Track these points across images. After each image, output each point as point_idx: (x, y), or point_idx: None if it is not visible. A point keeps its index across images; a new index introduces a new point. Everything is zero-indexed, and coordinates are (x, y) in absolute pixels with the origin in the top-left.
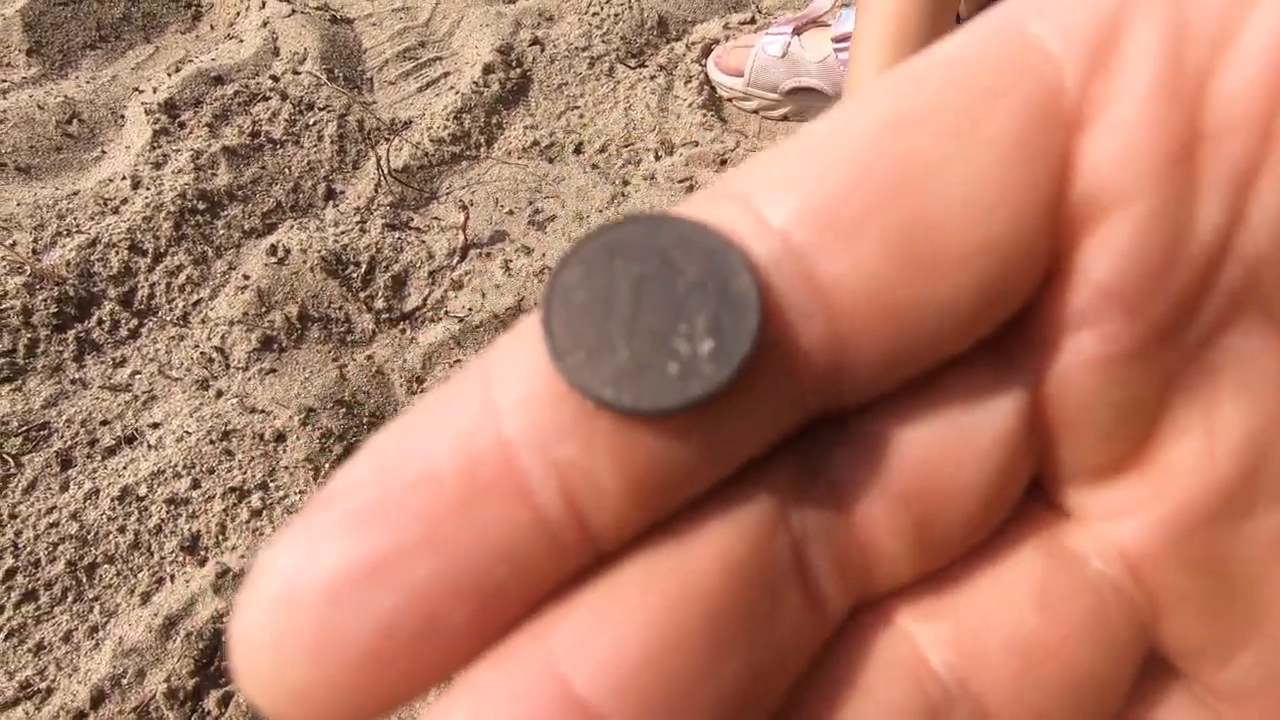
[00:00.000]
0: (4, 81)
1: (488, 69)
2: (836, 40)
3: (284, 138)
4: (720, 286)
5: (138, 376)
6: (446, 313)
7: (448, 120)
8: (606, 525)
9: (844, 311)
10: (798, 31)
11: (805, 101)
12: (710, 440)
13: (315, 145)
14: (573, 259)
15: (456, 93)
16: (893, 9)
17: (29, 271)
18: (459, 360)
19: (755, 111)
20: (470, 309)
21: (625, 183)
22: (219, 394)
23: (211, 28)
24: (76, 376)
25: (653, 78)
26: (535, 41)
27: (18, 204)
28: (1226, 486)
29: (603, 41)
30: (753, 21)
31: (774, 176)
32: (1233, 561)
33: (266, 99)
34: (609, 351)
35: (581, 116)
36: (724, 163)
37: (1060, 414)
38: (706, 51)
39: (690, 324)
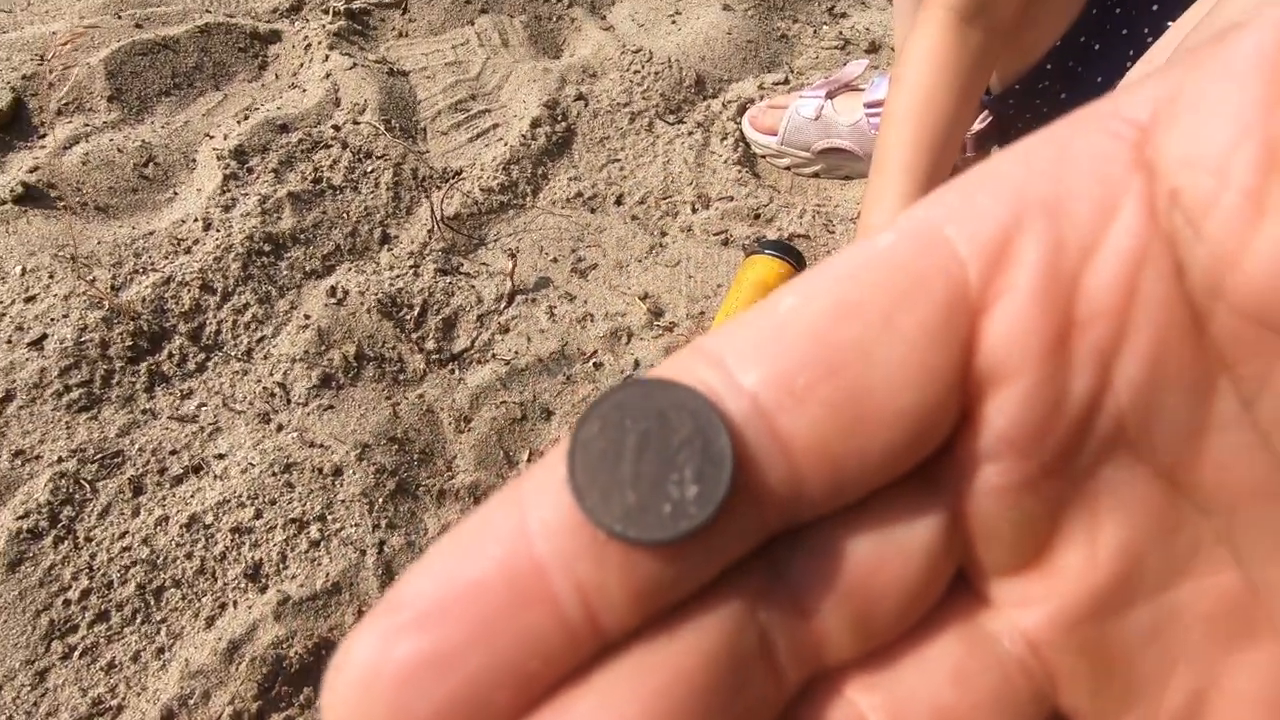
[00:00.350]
0: (87, 125)
1: (535, 122)
2: (868, 105)
3: (343, 184)
4: (704, 444)
5: (204, 409)
6: (493, 355)
7: (497, 171)
8: (614, 625)
9: (799, 457)
10: (830, 95)
11: (836, 161)
12: (695, 560)
13: (372, 192)
14: (592, 415)
15: (505, 144)
16: (922, 88)
17: (107, 306)
18: (504, 402)
19: (788, 168)
20: (516, 352)
21: (663, 234)
22: (280, 428)
23: (276, 77)
24: (147, 407)
25: (690, 134)
26: (579, 97)
27: (98, 242)
28: (1106, 586)
29: (643, 98)
30: (786, 82)
31: (745, 347)
32: (1114, 646)
33: (328, 147)
34: (618, 494)
35: (622, 169)
36: (757, 217)
37: (974, 526)
38: (741, 110)
39: (681, 474)
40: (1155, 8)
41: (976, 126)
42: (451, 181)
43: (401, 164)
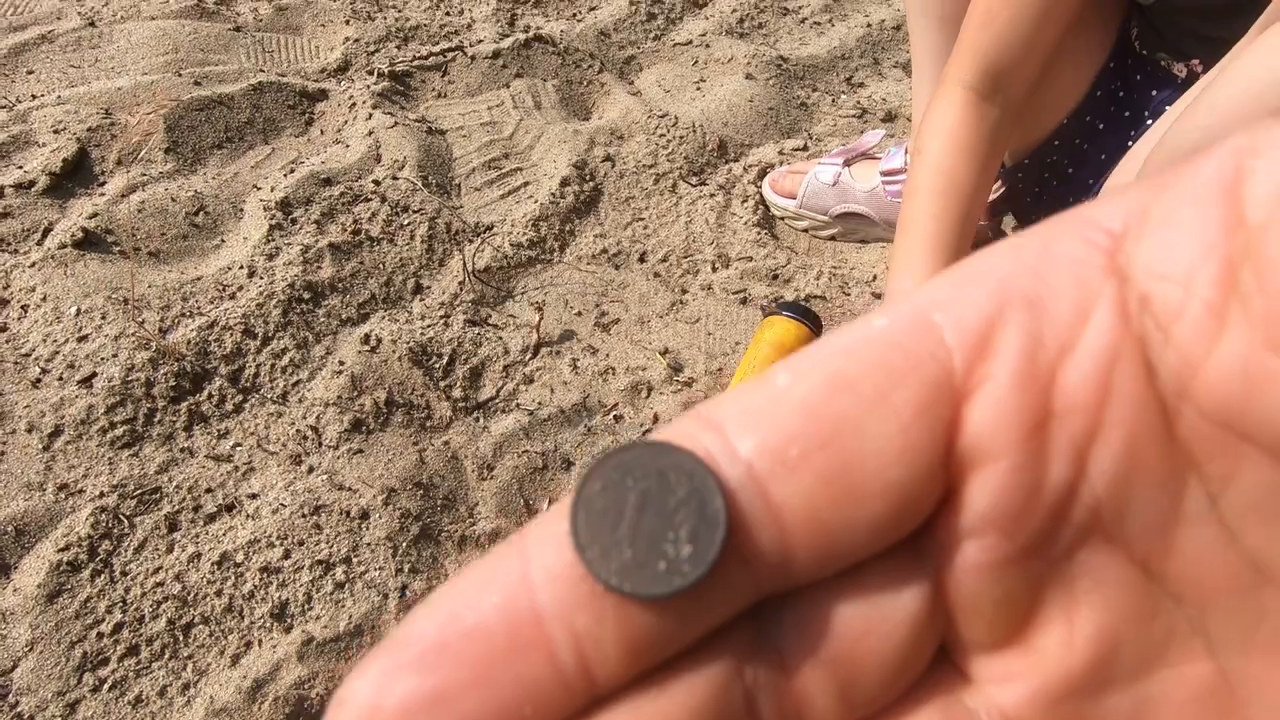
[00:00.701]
0: (144, 175)
1: (564, 181)
2: (885, 173)
3: (381, 236)
4: (700, 505)
5: (239, 449)
6: (517, 405)
7: (526, 227)
8: (607, 677)
9: (790, 524)
10: (848, 163)
11: (852, 225)
12: (686, 617)
13: (408, 244)
14: (595, 474)
15: (535, 202)
16: (943, 163)
17: (154, 348)
18: (526, 451)
19: (806, 231)
20: (539, 403)
21: (684, 291)
22: (310, 470)
23: (322, 132)
24: (185, 445)
25: (712, 195)
26: (607, 158)
27: (149, 285)
28: (1084, 668)
29: (668, 160)
30: (805, 148)
31: (744, 415)
32: None
33: (368, 200)
34: (617, 550)
35: (646, 228)
36: (775, 277)
37: (956, 601)
38: (762, 174)
39: (677, 533)
40: (1154, 93)
41: (991, 195)
42: (483, 236)
43: (436, 218)
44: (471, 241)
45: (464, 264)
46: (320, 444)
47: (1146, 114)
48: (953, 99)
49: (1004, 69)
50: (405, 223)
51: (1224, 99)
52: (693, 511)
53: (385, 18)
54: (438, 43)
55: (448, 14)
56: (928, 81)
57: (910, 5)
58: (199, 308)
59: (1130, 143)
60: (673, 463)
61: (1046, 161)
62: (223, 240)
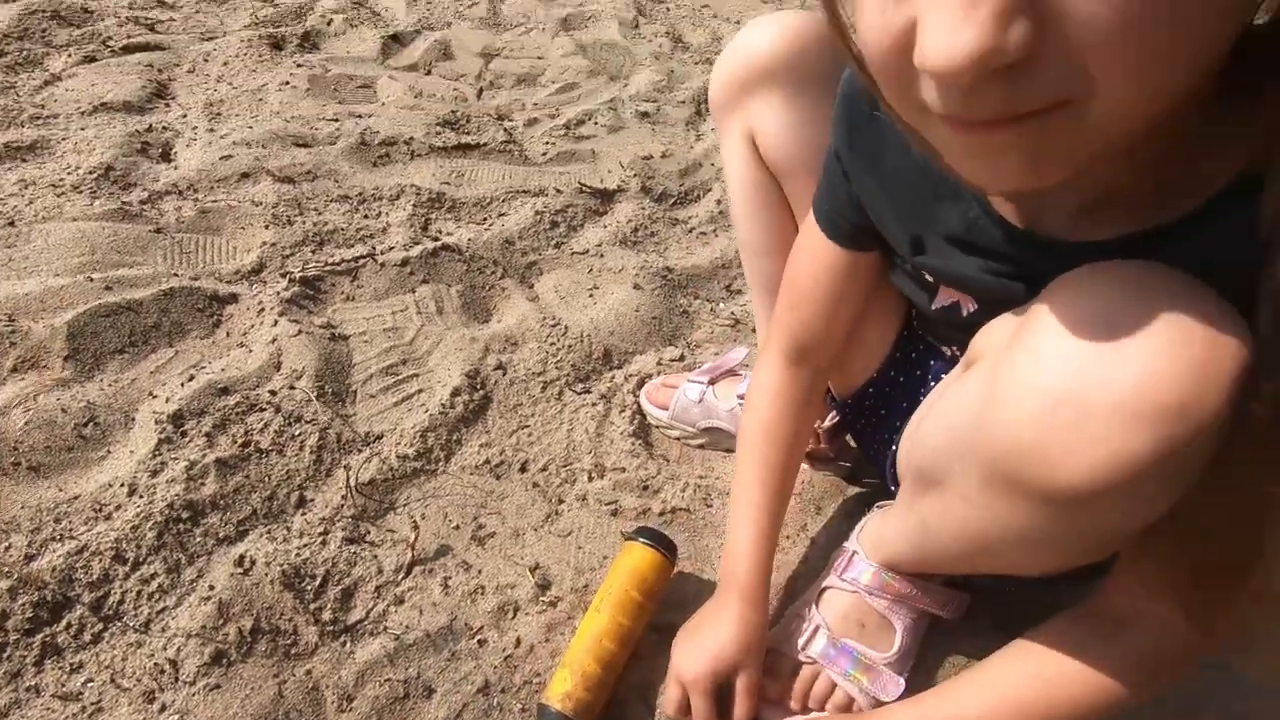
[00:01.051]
0: (37, 384)
1: (455, 391)
2: (740, 397)
3: (270, 448)
4: None
5: (90, 685)
6: (385, 629)
7: (414, 437)
8: None
9: None
10: (712, 381)
11: (717, 437)
12: None
13: (296, 455)
14: None
15: (426, 411)
16: (766, 416)
17: (15, 577)
18: (389, 679)
19: (678, 439)
20: (407, 626)
21: (560, 501)
22: (163, 708)
23: (227, 335)
24: (33, 683)
25: (594, 404)
26: (499, 366)
27: (22, 506)
28: None
29: (556, 368)
30: (682, 358)
31: None
32: None
33: (262, 410)
34: None
35: (530, 435)
36: (645, 488)
37: None
38: (640, 384)
39: None
40: (932, 362)
41: (827, 423)
42: (372, 446)
43: (328, 429)
44: (360, 451)
45: (348, 480)
46: (177, 679)
47: (930, 377)
48: (772, 361)
49: (808, 346)
50: (296, 433)
51: (943, 423)
52: None
53: (305, 221)
54: (352, 246)
55: (365, 217)
56: (762, 330)
57: (749, 278)
58: (71, 529)
59: (921, 395)
60: None
61: (864, 403)
62: (109, 452)
